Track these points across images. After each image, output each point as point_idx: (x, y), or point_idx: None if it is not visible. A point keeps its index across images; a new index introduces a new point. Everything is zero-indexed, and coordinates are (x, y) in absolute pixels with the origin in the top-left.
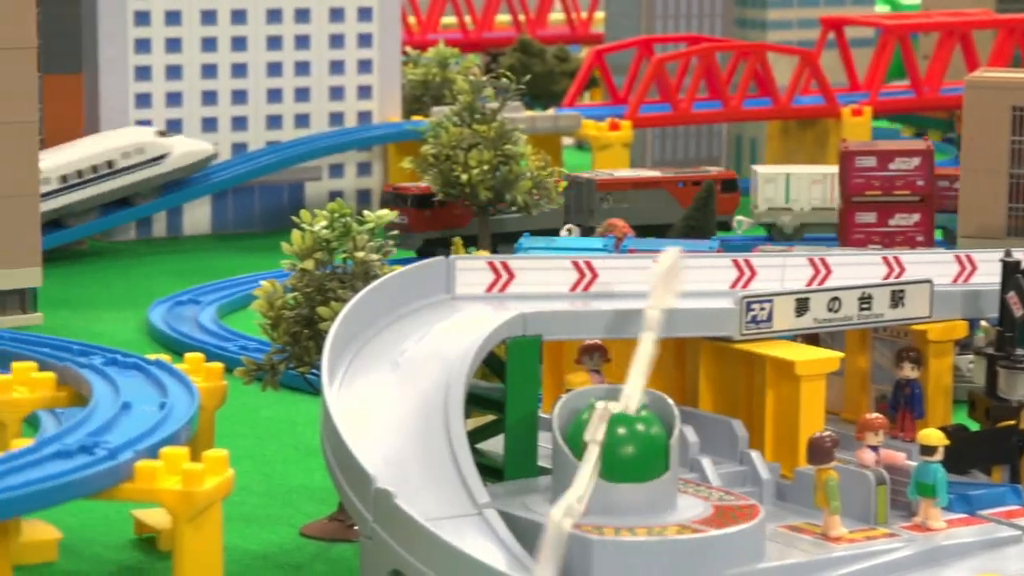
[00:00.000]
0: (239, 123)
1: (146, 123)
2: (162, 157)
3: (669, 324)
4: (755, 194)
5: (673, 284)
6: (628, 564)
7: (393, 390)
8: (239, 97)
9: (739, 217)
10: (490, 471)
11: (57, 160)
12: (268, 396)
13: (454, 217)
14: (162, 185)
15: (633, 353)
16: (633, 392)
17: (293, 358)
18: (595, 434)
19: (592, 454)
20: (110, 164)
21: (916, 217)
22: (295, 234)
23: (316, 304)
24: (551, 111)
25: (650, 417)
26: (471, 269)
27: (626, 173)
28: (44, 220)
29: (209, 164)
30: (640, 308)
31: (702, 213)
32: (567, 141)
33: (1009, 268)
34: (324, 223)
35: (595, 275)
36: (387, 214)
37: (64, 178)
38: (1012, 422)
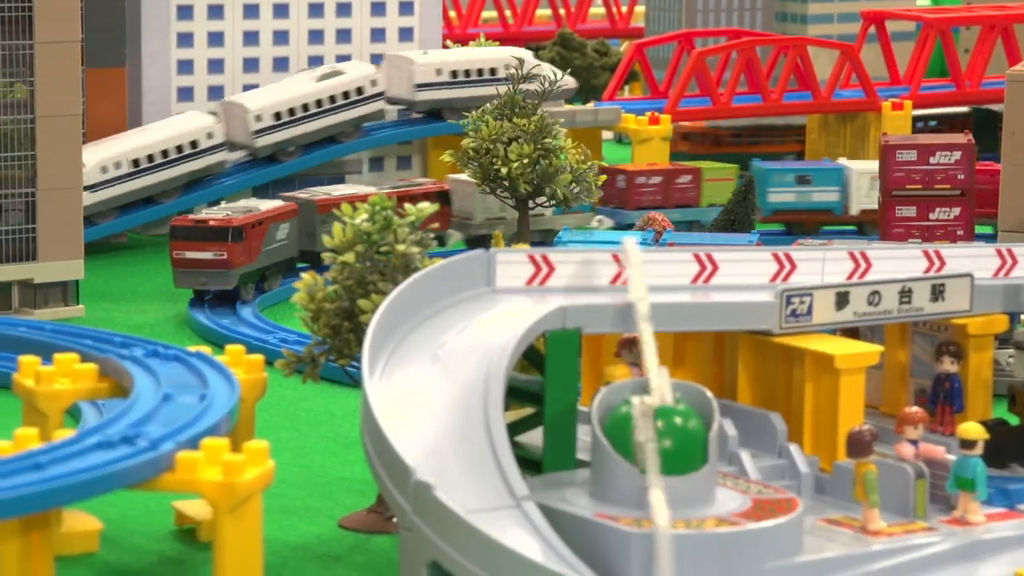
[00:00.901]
0: None
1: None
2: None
3: (709, 318)
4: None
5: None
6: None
7: (433, 382)
8: None
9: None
10: (529, 464)
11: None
12: (308, 388)
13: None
14: (198, 180)
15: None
16: (662, 384)
17: (333, 350)
18: (646, 433)
19: (651, 454)
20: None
21: (956, 211)
22: (336, 227)
23: (357, 297)
24: (591, 105)
25: (689, 411)
26: (512, 262)
27: (342, 190)
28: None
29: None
30: (674, 303)
31: (742, 207)
32: (607, 135)
33: None
34: (365, 216)
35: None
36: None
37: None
38: None
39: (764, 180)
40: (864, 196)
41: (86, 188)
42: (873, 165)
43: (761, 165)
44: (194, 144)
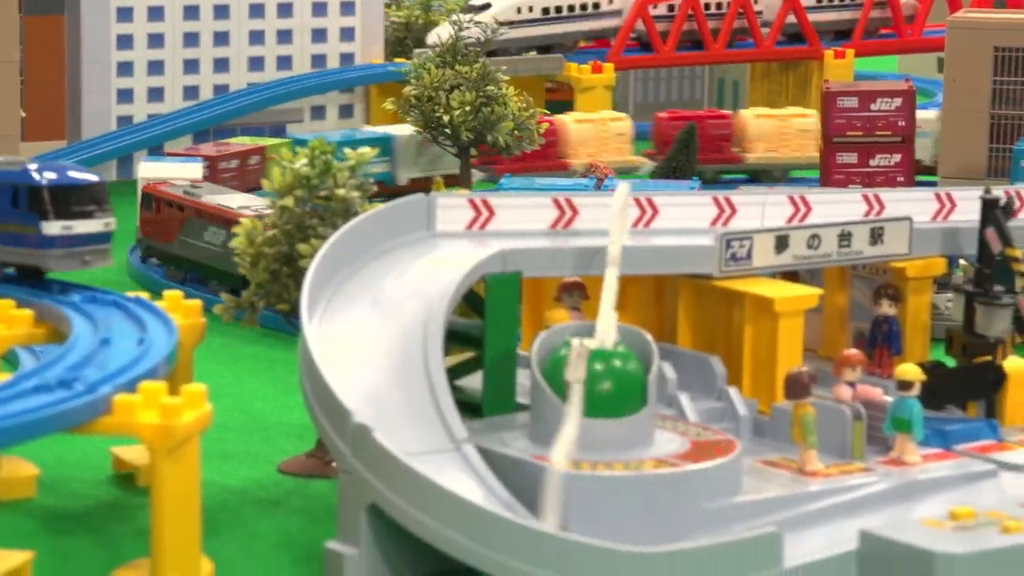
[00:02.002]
0: (221, 65)
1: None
2: None
3: (650, 261)
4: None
5: (625, 221)
6: (605, 498)
7: (372, 327)
8: (221, 39)
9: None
10: (468, 407)
11: None
12: (248, 335)
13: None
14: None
15: (600, 289)
16: (607, 328)
17: (272, 295)
18: (576, 373)
19: (576, 394)
20: None
21: (897, 157)
22: (275, 171)
23: (296, 241)
24: (533, 53)
25: (628, 353)
26: (451, 207)
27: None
28: None
29: None
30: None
31: (683, 155)
32: (549, 84)
33: (988, 204)
34: (304, 160)
35: (575, 213)
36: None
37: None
38: (988, 358)
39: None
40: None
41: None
42: None
43: None
44: (596, 6)
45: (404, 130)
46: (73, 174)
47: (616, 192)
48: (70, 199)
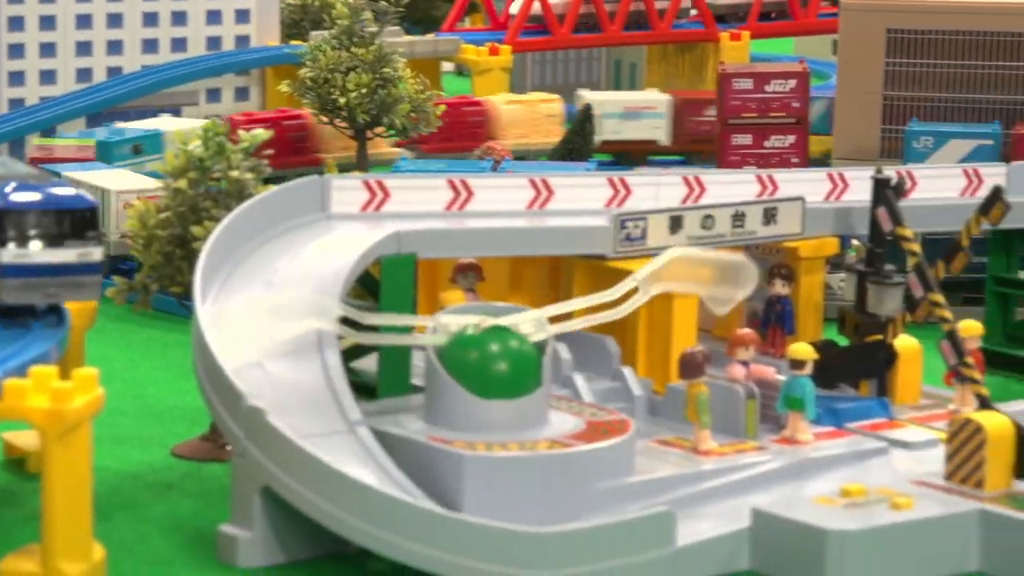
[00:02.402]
0: (114, 47)
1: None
2: None
3: (545, 242)
4: None
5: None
6: (500, 479)
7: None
8: (114, 21)
9: None
10: (363, 389)
11: None
12: (141, 318)
13: None
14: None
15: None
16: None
17: (165, 278)
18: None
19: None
20: None
21: (791, 139)
22: (168, 153)
23: (189, 223)
24: (431, 36)
25: (523, 334)
26: (346, 188)
27: None
28: None
29: None
30: (516, 227)
31: (580, 136)
32: (447, 66)
33: (879, 184)
34: (198, 142)
35: (471, 194)
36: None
37: None
38: (880, 337)
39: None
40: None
41: None
42: None
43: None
44: None
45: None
46: (36, 196)
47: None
48: (26, 223)
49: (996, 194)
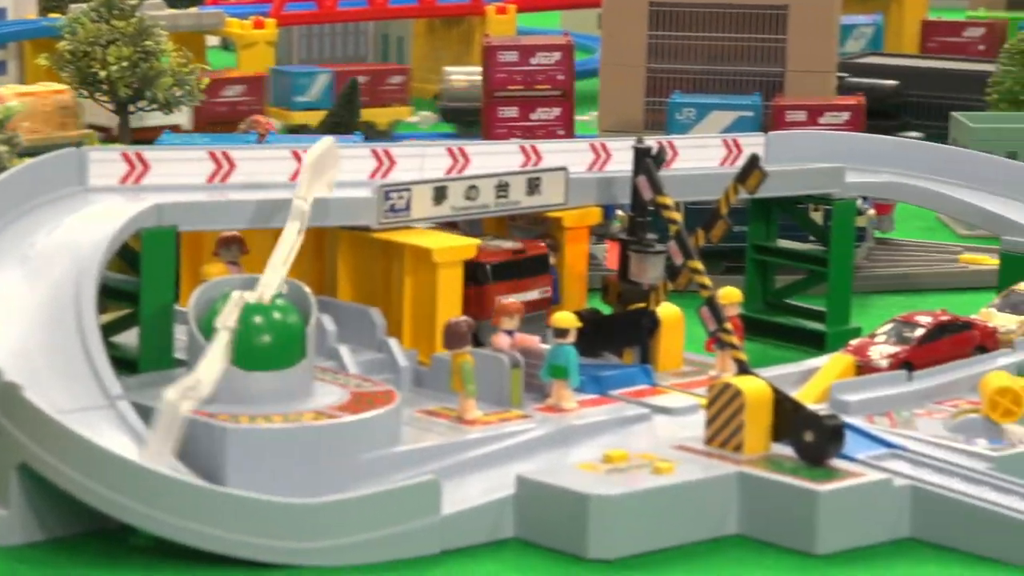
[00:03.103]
0: None
1: None
2: None
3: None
4: None
5: (326, 174)
6: (263, 451)
7: (22, 283)
8: None
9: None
10: (125, 363)
11: None
12: None
13: None
14: None
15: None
16: (271, 281)
17: None
18: (227, 320)
19: (221, 339)
20: None
21: (557, 111)
22: None
23: None
24: (194, 9)
25: (286, 306)
26: (104, 160)
27: None
28: None
29: None
30: (280, 199)
31: (346, 110)
32: (212, 40)
33: (640, 154)
34: None
35: (233, 166)
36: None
37: None
38: (642, 305)
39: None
40: None
41: None
42: None
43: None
44: None
45: None
46: None
47: (312, 147)
48: None
49: (753, 163)
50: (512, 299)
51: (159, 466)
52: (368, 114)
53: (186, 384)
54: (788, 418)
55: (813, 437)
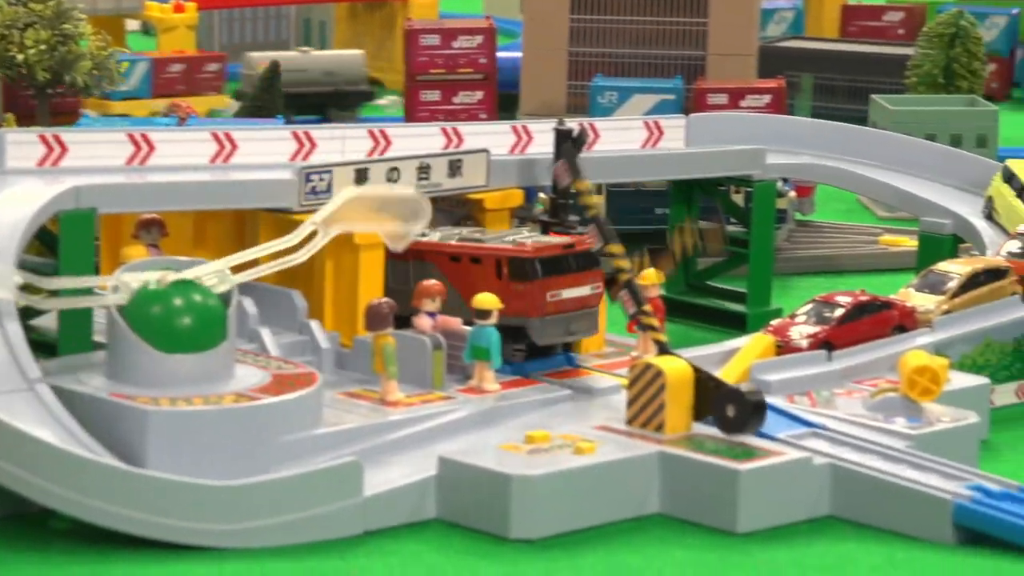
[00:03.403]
0: None
1: None
2: None
3: (228, 196)
4: None
5: (385, 220)
6: (184, 433)
7: None
8: None
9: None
10: (43, 347)
11: None
12: None
13: None
14: None
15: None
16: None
17: None
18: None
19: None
20: None
21: (479, 95)
22: None
23: None
24: None
25: (207, 288)
26: (21, 143)
27: None
28: None
29: None
30: (200, 181)
31: (268, 93)
32: (132, 24)
33: (561, 136)
34: None
35: (152, 148)
36: None
37: None
38: None
39: None
40: None
41: None
42: None
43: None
44: None
45: None
46: None
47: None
48: None
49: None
50: (565, 294)
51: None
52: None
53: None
54: (710, 395)
55: (735, 411)
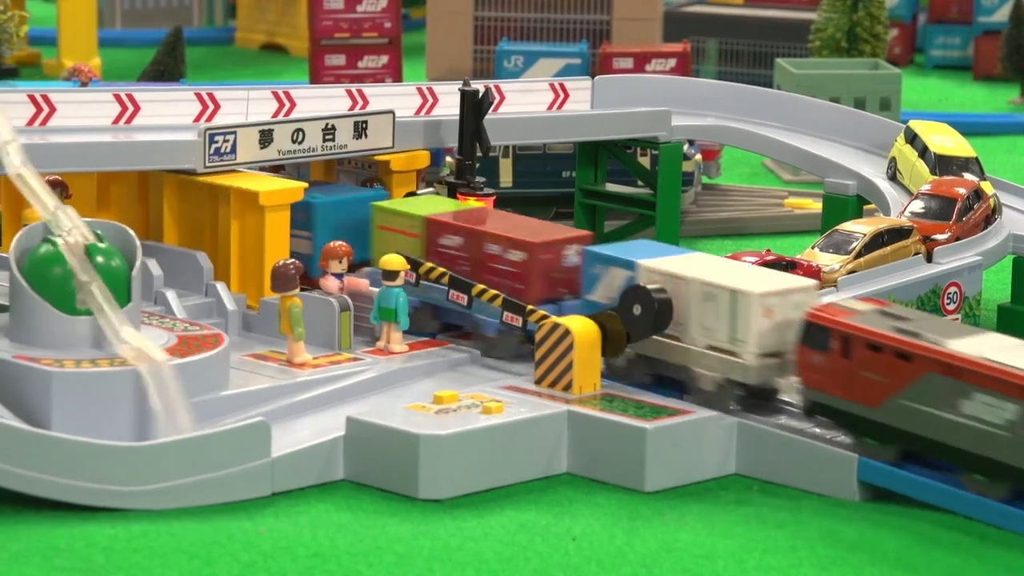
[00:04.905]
0: None
1: None
2: None
3: (131, 157)
4: None
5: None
6: (89, 395)
7: None
8: None
9: None
10: None
11: None
12: None
13: None
14: None
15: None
16: (71, 220)
17: None
18: (87, 274)
19: (100, 291)
20: None
21: (385, 59)
22: None
23: None
24: None
25: (111, 250)
26: None
27: None
28: None
29: None
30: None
31: (170, 57)
32: None
33: (467, 96)
34: None
35: (53, 109)
36: None
37: None
38: None
39: None
40: None
41: None
42: None
43: None
44: None
45: None
46: None
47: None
48: None
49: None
50: None
51: (184, 432)
52: None
53: (145, 348)
54: (614, 327)
55: (641, 310)
